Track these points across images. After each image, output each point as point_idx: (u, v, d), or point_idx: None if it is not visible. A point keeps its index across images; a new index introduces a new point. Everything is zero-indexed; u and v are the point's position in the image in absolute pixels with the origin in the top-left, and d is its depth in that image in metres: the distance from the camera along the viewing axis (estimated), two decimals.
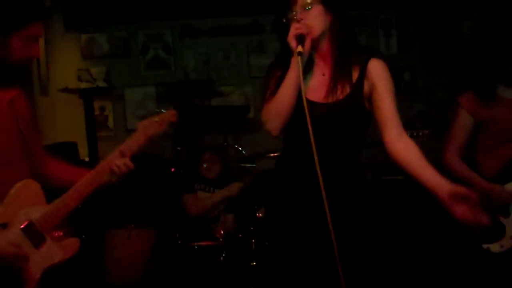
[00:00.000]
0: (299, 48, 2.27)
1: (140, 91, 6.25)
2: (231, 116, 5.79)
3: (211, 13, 6.16)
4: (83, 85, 6.18)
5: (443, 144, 3.47)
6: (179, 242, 3.92)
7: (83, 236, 4.21)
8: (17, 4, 2.35)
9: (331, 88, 2.39)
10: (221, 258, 3.76)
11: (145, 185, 5.00)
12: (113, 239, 4.12)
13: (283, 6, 2.42)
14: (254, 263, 3.80)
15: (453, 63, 5.95)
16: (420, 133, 5.03)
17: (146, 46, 6.29)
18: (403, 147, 2.39)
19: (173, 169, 5.13)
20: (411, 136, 4.97)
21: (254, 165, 5.11)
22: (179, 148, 5.59)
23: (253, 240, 3.93)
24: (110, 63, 6.28)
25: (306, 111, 2.20)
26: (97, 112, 6.11)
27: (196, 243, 3.82)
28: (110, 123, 6.27)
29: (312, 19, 2.36)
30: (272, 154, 4.88)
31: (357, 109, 2.40)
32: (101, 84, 6.23)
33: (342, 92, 2.38)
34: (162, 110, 2.67)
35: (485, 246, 3.21)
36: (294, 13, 2.36)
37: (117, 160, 2.51)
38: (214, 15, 6.19)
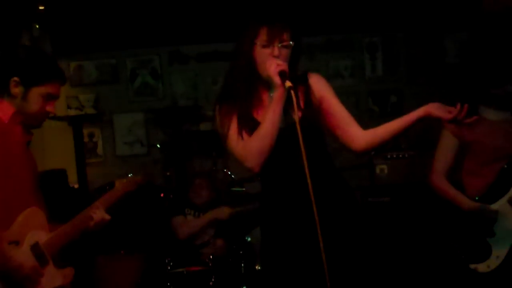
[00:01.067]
0: (288, 83, 2.26)
1: (129, 117, 6.28)
2: (220, 140, 5.81)
3: (199, 39, 6.22)
4: (72, 112, 6.20)
5: (429, 166, 3.51)
6: (168, 268, 3.92)
7: (72, 263, 4.20)
8: (43, 62, 2.65)
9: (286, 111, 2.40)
10: (211, 283, 3.75)
11: (135, 211, 5.00)
12: (102, 265, 4.11)
13: (254, 31, 2.45)
14: None
15: (438, 85, 6.02)
16: (406, 155, 5.09)
17: (135, 73, 6.33)
18: (365, 133, 2.52)
19: (162, 195, 5.14)
20: (397, 158, 5.08)
21: (243, 189, 5.13)
22: (168, 174, 5.61)
23: (242, 264, 3.93)
24: (99, 90, 6.31)
25: (301, 142, 2.20)
26: (86, 139, 6.13)
27: (185, 269, 3.82)
28: (99, 149, 6.28)
29: (285, 57, 2.41)
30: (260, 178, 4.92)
31: (316, 125, 2.49)
32: (90, 111, 6.26)
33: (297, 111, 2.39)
34: (130, 175, 3.07)
35: (472, 266, 3.23)
36: (274, 47, 2.38)
37: (95, 210, 2.74)
38: (201, 41, 6.25)
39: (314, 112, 2.49)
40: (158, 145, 5.63)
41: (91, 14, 5.88)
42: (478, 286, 3.23)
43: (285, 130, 2.36)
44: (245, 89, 2.46)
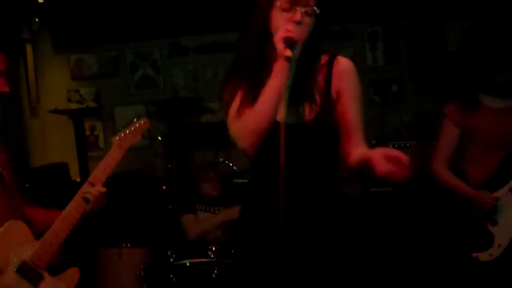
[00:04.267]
0: (288, 52, 1.91)
1: (130, 109, 6.27)
2: (221, 132, 5.81)
3: (199, 30, 6.20)
4: (73, 106, 6.20)
5: (431, 155, 3.50)
6: (171, 260, 3.92)
7: (74, 256, 4.21)
8: None
9: (298, 106, 2.09)
10: (213, 275, 3.75)
11: (137, 203, 5.01)
12: (105, 258, 4.10)
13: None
14: None
15: (439, 74, 6.01)
16: (408, 144, 5.07)
17: (135, 65, 6.32)
18: (354, 156, 2.13)
19: (164, 187, 5.14)
20: (399, 147, 5.07)
21: (245, 180, 5.12)
22: (170, 166, 5.61)
23: None
24: (100, 83, 6.31)
25: (282, 130, 1.89)
26: (87, 132, 6.13)
27: (188, 260, 3.82)
28: (101, 142, 6.28)
29: (306, 26, 2.01)
30: None
31: (331, 124, 2.14)
32: (91, 104, 6.26)
33: (311, 109, 2.10)
34: (134, 120, 2.69)
35: (474, 255, 3.23)
36: (297, 11, 1.99)
37: (86, 189, 2.50)
38: (201, 33, 6.23)
39: (331, 107, 2.13)
40: (160, 138, 5.63)
41: (91, 7, 5.88)
42: (480, 275, 3.23)
43: (294, 128, 2.03)
44: (255, 58, 2.12)
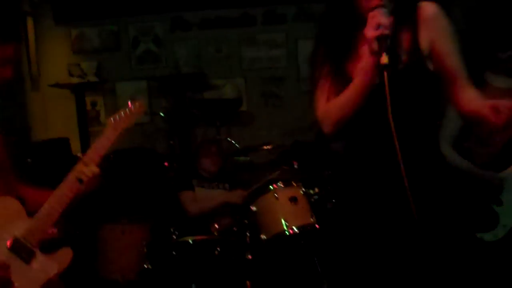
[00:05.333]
0: (385, 59, 1.81)
1: (131, 85, 6.22)
2: (224, 109, 5.78)
3: (202, 5, 6.14)
4: (74, 80, 6.15)
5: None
6: (174, 237, 3.91)
7: (77, 232, 4.21)
8: None
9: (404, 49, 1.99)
10: (216, 252, 3.75)
11: (139, 179, 4.99)
12: (107, 234, 4.10)
13: None
14: (250, 257, 3.80)
15: None
16: None
17: (137, 40, 6.26)
18: (465, 101, 2.07)
19: (166, 163, 5.12)
20: None
21: (247, 158, 5.10)
22: (172, 142, 5.58)
23: (247, 234, 3.93)
24: (101, 58, 6.25)
25: (389, 111, 1.81)
26: (88, 107, 6.09)
27: (190, 238, 3.81)
28: (102, 117, 6.24)
29: None
30: (265, 147, 4.89)
31: (422, 78, 2.01)
32: (92, 78, 6.21)
33: (399, 60, 1.98)
34: (129, 102, 2.65)
35: (478, 235, 3.22)
36: None
37: (80, 169, 2.46)
38: (204, 7, 6.16)
39: (422, 58, 2.01)
40: (161, 114, 5.59)
41: None
42: (485, 255, 3.22)
43: (381, 85, 1.92)
44: (341, 33, 2.05)
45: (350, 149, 2.17)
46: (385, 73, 1.82)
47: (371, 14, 1.85)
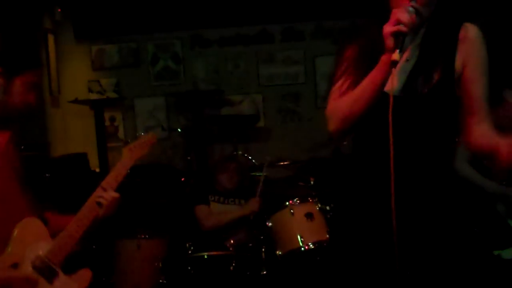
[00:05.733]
0: (396, 56, 1.73)
1: (150, 101, 6.28)
2: (241, 125, 5.80)
3: (220, 23, 6.19)
4: (93, 96, 6.22)
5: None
6: (190, 252, 3.91)
7: (93, 246, 4.22)
8: (21, 51, 2.52)
9: (417, 78, 1.93)
10: (231, 267, 3.74)
11: (155, 194, 5.01)
12: (123, 249, 4.11)
13: None
14: (264, 272, 3.79)
15: None
16: None
17: (156, 57, 6.32)
18: (477, 135, 1.97)
19: (183, 179, 5.14)
20: None
21: (264, 173, 5.10)
22: (189, 158, 5.60)
23: (263, 249, 3.92)
24: (120, 74, 6.32)
25: (390, 127, 1.73)
26: (107, 123, 6.15)
27: (206, 253, 3.81)
28: (121, 133, 6.30)
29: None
30: (281, 163, 4.89)
31: (448, 100, 1.95)
32: (111, 95, 6.27)
33: (429, 80, 1.92)
34: (142, 134, 2.80)
35: (496, 252, 3.18)
36: None
37: (99, 194, 2.56)
38: (223, 25, 6.22)
39: (453, 79, 1.94)
40: (179, 129, 5.62)
41: None
42: (503, 272, 3.18)
43: (405, 100, 1.89)
44: (369, 30, 1.99)
45: (356, 153, 2.10)
46: (393, 71, 1.76)
47: (394, 11, 1.79)
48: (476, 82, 1.95)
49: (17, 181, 2.51)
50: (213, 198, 4.37)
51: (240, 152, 5.58)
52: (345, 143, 4.88)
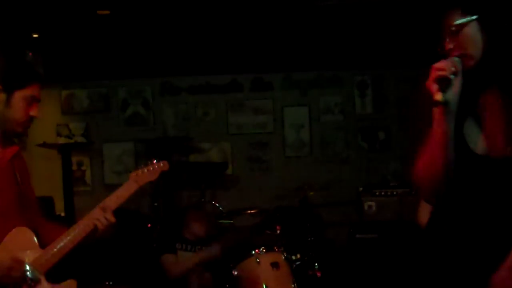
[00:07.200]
0: (438, 96, 1.74)
1: (118, 146, 6.28)
2: (209, 172, 5.83)
3: (191, 71, 6.27)
4: (62, 140, 6.20)
5: (418, 204, 3.52)
6: None
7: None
8: (22, 65, 2.65)
9: (505, 137, 1.81)
10: None
11: (121, 240, 4.97)
12: None
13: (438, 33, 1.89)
14: None
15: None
16: (394, 192, 5.11)
17: (126, 102, 6.35)
18: None
19: (149, 225, 5.11)
20: (385, 195, 5.09)
21: (231, 221, 5.11)
22: (156, 204, 5.60)
23: None
24: (90, 119, 6.33)
25: None
26: (74, 167, 6.12)
27: None
28: (88, 178, 6.27)
29: (464, 45, 1.83)
30: (248, 211, 4.92)
31: None
32: (80, 139, 6.26)
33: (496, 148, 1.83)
34: (154, 160, 2.85)
35: None
36: (444, 42, 1.85)
37: (97, 214, 2.60)
38: (193, 73, 6.30)
39: None
40: None
41: (85, 43, 5.92)
42: None
43: (485, 160, 1.83)
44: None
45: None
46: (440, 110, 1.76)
47: (435, 64, 1.80)
48: None
49: (17, 198, 2.57)
50: (180, 247, 4.35)
51: (207, 200, 5.59)
52: (311, 193, 4.95)
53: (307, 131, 6.36)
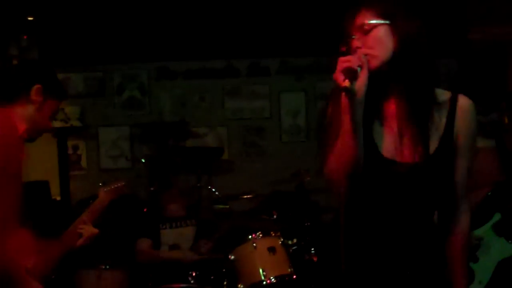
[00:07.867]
0: (346, 83, 1.74)
1: (114, 131, 6.26)
2: (205, 157, 5.81)
3: (187, 55, 6.24)
4: (57, 124, 6.16)
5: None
6: (150, 284, 3.89)
7: (53, 276, 4.15)
8: (59, 79, 2.74)
9: (411, 145, 1.88)
10: None
11: (118, 224, 4.97)
12: (84, 279, 4.07)
13: (344, 30, 1.94)
14: None
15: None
16: None
17: (122, 87, 6.32)
18: (460, 222, 2.03)
19: (146, 209, 5.11)
20: None
21: (227, 206, 5.12)
22: (152, 189, 5.58)
23: (225, 283, 3.92)
24: (85, 103, 6.29)
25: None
26: (70, 151, 6.10)
27: (167, 285, 3.79)
28: (83, 162, 6.25)
29: (372, 45, 1.87)
30: (245, 196, 4.92)
31: (446, 168, 1.93)
32: (76, 123, 6.23)
33: (425, 148, 1.89)
34: (115, 180, 3.13)
35: None
36: (350, 39, 1.88)
37: (80, 225, 2.83)
38: (189, 58, 6.27)
39: (452, 149, 1.93)
40: (143, 160, 5.61)
41: (80, 26, 5.89)
42: None
43: (412, 168, 1.87)
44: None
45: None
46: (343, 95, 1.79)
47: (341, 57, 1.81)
48: (462, 158, 1.95)
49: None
50: (164, 226, 4.38)
51: (203, 184, 5.59)
52: (308, 178, 4.95)
53: (304, 117, 6.36)
